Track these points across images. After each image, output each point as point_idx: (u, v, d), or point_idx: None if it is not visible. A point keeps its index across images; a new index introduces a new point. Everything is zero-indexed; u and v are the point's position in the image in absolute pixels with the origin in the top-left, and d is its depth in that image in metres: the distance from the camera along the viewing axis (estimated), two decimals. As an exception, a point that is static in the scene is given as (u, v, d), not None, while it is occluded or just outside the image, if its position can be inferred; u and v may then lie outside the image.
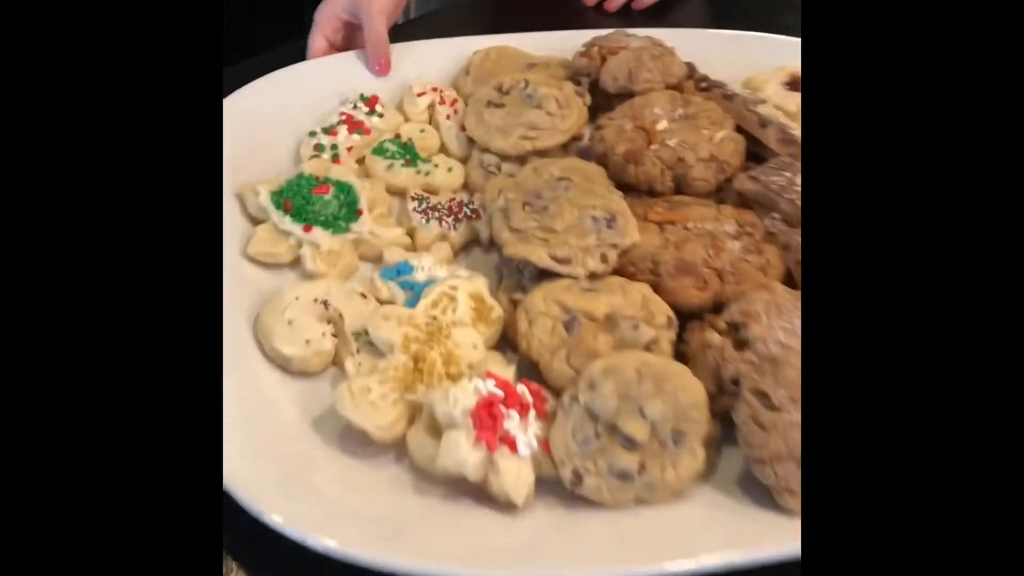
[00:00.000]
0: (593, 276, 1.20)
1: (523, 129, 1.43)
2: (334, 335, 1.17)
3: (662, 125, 1.41)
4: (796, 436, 0.99)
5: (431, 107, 1.53)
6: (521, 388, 1.06)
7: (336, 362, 1.18)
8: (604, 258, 1.20)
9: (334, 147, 1.41)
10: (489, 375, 1.05)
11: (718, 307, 1.20)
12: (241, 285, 1.23)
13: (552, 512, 1.02)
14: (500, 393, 1.04)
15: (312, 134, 1.44)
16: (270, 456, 1.03)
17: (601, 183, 1.34)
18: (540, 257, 1.18)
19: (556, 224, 1.21)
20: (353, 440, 1.07)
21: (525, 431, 1.02)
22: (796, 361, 1.03)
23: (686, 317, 1.23)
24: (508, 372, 1.10)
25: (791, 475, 1.00)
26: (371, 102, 1.50)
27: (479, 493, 1.02)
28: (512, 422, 1.02)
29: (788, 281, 1.25)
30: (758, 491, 1.03)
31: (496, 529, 0.99)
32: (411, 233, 1.34)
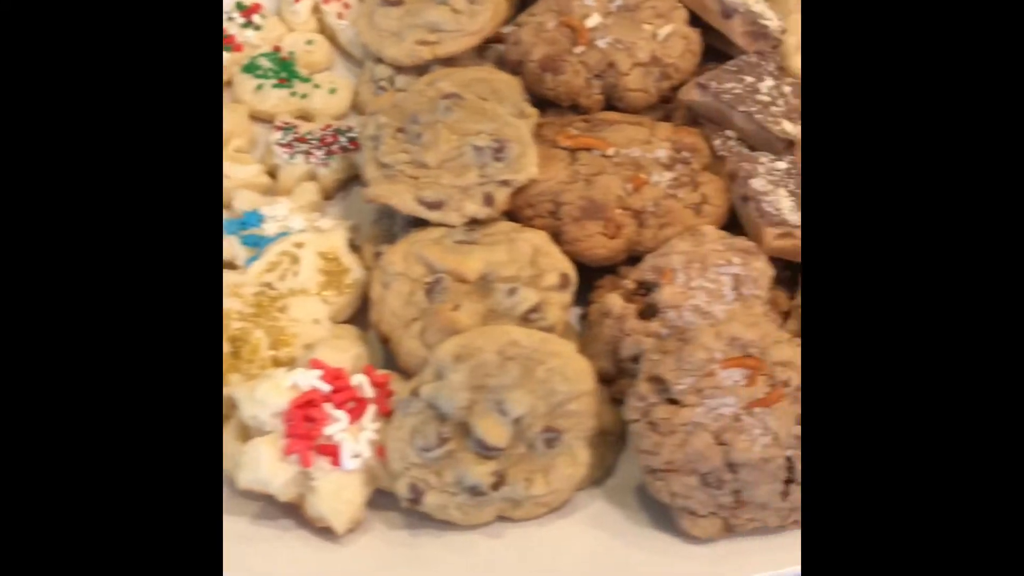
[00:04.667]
0: (475, 223, 1.00)
1: (421, 32, 1.21)
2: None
3: (593, 21, 1.17)
4: (699, 442, 0.79)
5: (316, 10, 1.32)
6: (358, 380, 0.88)
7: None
8: (489, 199, 1.00)
9: (184, 67, 1.22)
10: (315, 363, 0.88)
11: (637, 259, 0.99)
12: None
13: (392, 534, 0.86)
14: (326, 388, 0.86)
15: (168, 51, 1.25)
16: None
17: (512, 99, 1.12)
18: (403, 200, 0.99)
19: (429, 157, 1.01)
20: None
21: (356, 437, 0.85)
22: (712, 341, 0.82)
23: (598, 273, 1.03)
24: (352, 356, 0.92)
25: (692, 492, 0.81)
26: (250, 11, 1.30)
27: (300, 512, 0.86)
28: (338, 426, 0.85)
29: (732, 224, 1.03)
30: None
31: (319, 558, 0.84)
32: (273, 172, 1.16)
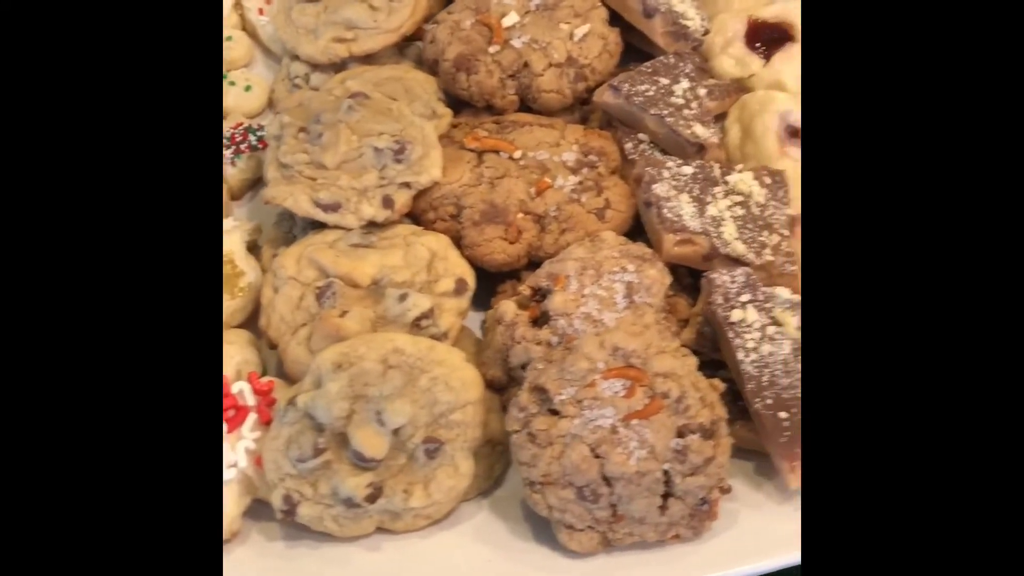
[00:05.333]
0: (373, 226, 0.98)
1: (338, 29, 1.19)
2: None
3: (511, 19, 1.15)
4: (576, 455, 0.78)
5: (238, 6, 1.29)
6: (239, 387, 0.87)
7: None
8: (388, 201, 0.98)
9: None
10: (195, 368, 0.86)
11: (538, 264, 0.98)
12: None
13: (268, 546, 0.84)
14: (203, 393, 0.84)
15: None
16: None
17: (425, 98, 1.11)
18: (298, 202, 0.97)
19: (327, 158, 0.99)
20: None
21: (233, 446, 0.83)
22: (595, 351, 0.80)
23: (501, 278, 1.02)
24: (236, 362, 0.90)
25: (568, 505, 0.79)
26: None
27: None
28: (214, 432, 0.83)
29: (636, 229, 1.01)
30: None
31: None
32: (179, 171, 1.13)
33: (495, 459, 0.88)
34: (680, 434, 0.79)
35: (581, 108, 1.16)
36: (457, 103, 1.14)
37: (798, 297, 0.89)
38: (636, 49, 1.19)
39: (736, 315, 0.87)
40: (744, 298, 0.88)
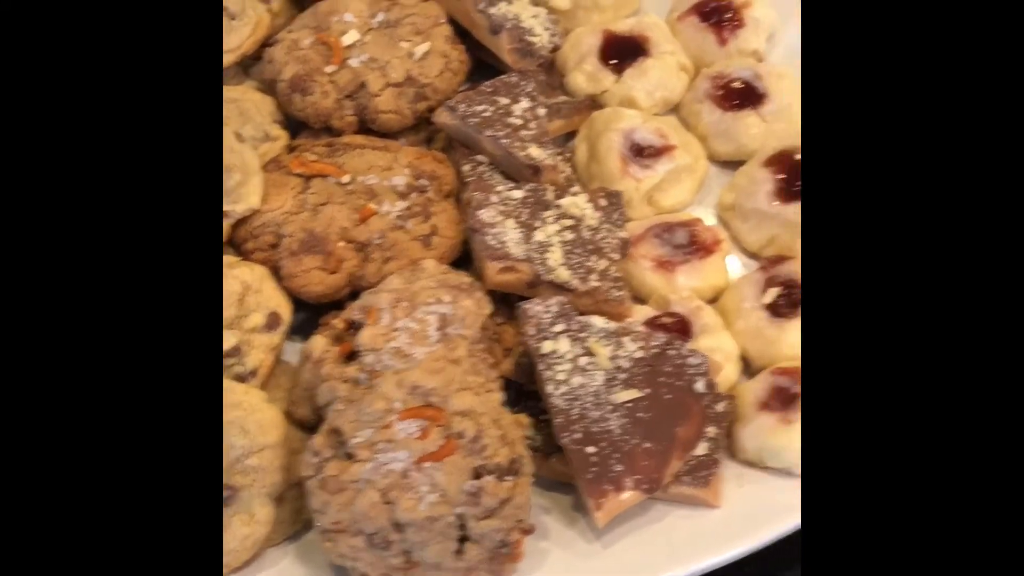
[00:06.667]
0: (188, 259, 0.94)
1: (174, 50, 1.15)
2: None
3: (351, 38, 1.12)
4: (365, 501, 0.75)
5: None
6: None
7: None
8: (202, 233, 0.94)
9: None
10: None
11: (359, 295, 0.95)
12: None
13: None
14: None
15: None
16: None
17: (258, 121, 1.07)
18: (105, 237, 0.93)
19: (139, 189, 0.95)
20: None
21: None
22: (393, 390, 0.78)
23: (328, 309, 0.98)
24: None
25: (359, 554, 0.76)
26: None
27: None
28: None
29: (467, 256, 0.99)
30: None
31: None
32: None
33: (303, 501, 0.85)
34: (477, 475, 0.76)
35: (427, 128, 1.13)
36: (299, 125, 1.10)
37: (614, 326, 0.87)
38: (490, 67, 1.16)
39: (547, 346, 0.84)
40: (557, 328, 0.85)
